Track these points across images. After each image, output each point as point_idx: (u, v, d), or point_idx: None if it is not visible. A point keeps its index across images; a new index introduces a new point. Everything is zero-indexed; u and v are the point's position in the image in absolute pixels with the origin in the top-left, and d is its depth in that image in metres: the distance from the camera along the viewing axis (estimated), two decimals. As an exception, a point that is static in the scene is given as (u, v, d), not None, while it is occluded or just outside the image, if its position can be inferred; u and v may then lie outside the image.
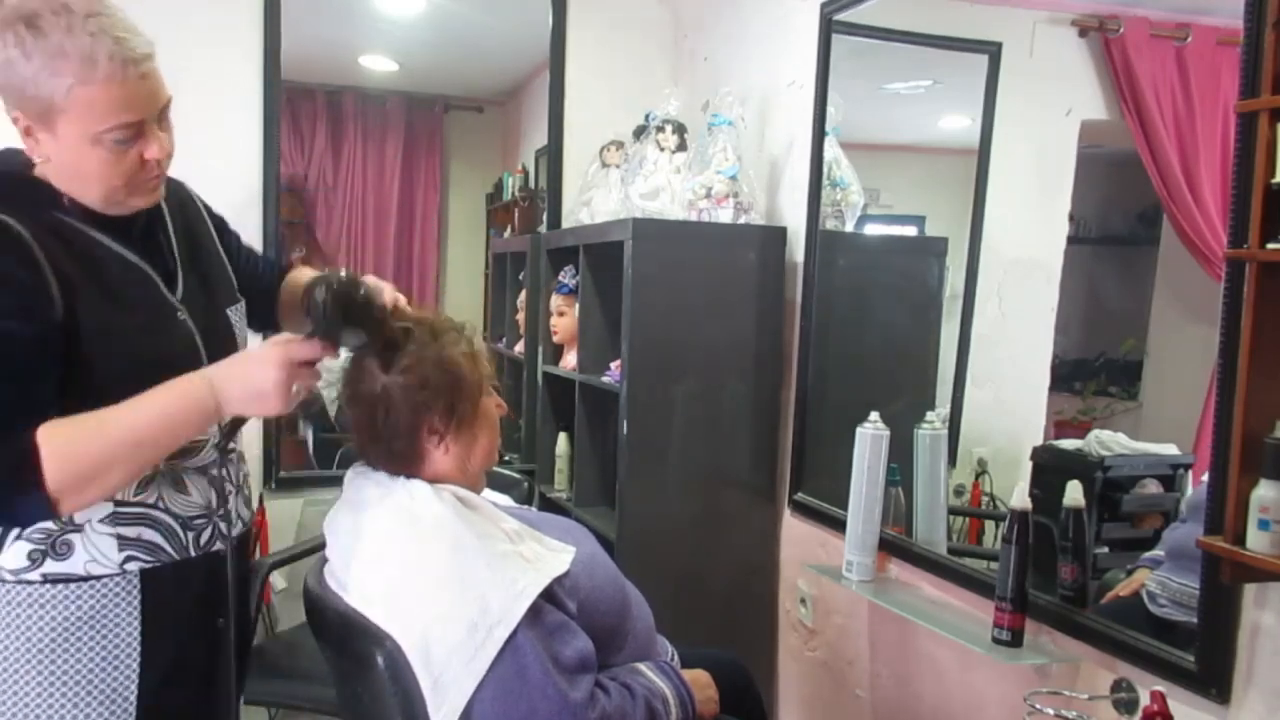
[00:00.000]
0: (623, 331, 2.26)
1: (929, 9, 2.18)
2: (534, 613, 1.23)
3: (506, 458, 3.02)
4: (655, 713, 1.32)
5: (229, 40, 2.61)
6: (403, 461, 1.36)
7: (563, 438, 2.76)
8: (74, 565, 1.20)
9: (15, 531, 1.19)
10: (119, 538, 1.22)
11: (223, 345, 1.35)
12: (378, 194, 3.19)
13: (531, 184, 3.17)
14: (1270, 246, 1.09)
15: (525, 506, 2.17)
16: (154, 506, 1.25)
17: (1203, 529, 1.25)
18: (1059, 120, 1.94)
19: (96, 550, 1.21)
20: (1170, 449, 1.70)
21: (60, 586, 1.20)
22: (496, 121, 3.38)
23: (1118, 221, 1.97)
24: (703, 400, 2.30)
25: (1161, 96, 1.75)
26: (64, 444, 1.08)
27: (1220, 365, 1.24)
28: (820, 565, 2.16)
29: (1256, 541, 1.12)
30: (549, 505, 2.76)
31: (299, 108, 3.01)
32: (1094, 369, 1.96)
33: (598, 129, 2.78)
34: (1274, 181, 1.08)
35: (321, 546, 1.47)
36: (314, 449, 2.98)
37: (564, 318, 2.70)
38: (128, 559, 1.23)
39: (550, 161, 2.99)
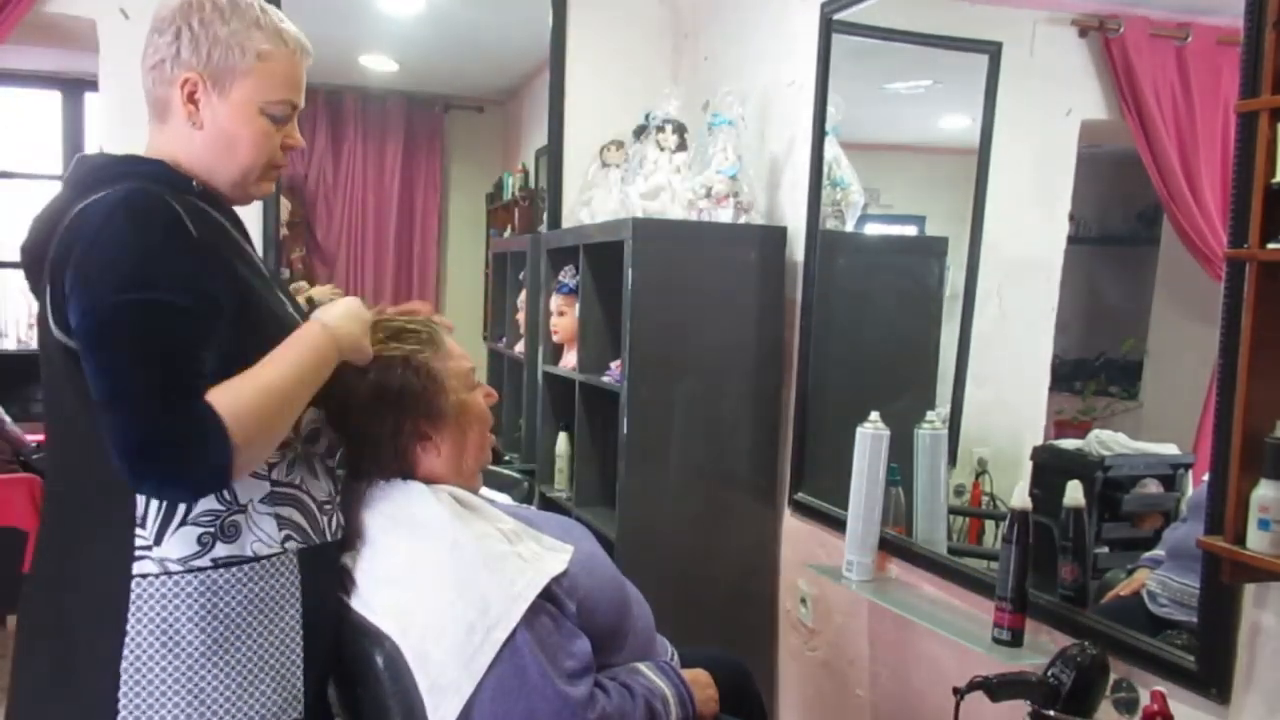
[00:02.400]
0: (623, 331, 2.26)
1: (929, 9, 2.18)
2: (532, 613, 1.23)
3: (507, 458, 3.02)
4: (655, 712, 1.32)
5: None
6: (393, 468, 1.36)
7: (563, 438, 2.76)
8: (243, 547, 1.20)
9: (178, 518, 1.17)
10: (277, 517, 1.23)
11: None
12: (378, 194, 3.20)
13: (531, 184, 3.17)
14: (1270, 246, 1.09)
15: (524, 505, 2.17)
16: (299, 488, 1.27)
17: (1203, 529, 1.25)
18: (1059, 120, 1.94)
19: (260, 530, 1.22)
20: (1170, 449, 1.70)
21: (233, 570, 1.20)
22: (496, 121, 3.39)
23: (1118, 221, 1.97)
24: (703, 400, 2.30)
25: (1161, 96, 1.75)
26: (233, 401, 1.09)
27: (1220, 365, 1.24)
28: (820, 565, 2.16)
29: (1256, 541, 1.12)
30: (549, 505, 2.76)
31: (299, 108, 3.01)
32: (1094, 369, 1.96)
33: (598, 129, 2.78)
34: (1274, 181, 1.08)
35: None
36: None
37: (564, 318, 2.70)
38: (286, 538, 1.24)
39: (550, 161, 2.99)
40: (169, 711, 1.15)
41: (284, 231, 2.86)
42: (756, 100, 2.53)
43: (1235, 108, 1.21)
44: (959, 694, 1.30)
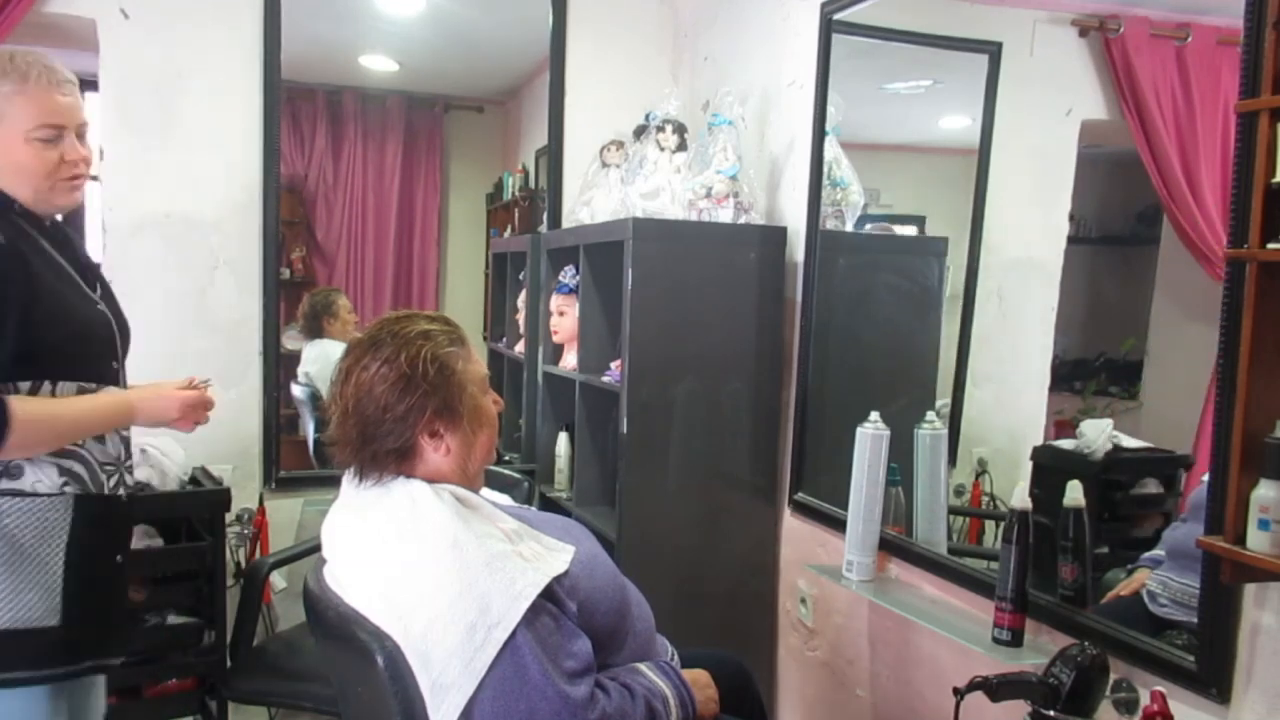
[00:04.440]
0: (623, 331, 2.27)
1: (929, 9, 2.18)
2: (533, 613, 1.22)
3: (506, 458, 3.02)
4: (655, 712, 1.32)
5: (229, 40, 2.61)
6: (397, 461, 1.36)
7: (563, 438, 2.76)
8: (23, 484, 1.50)
9: None
10: (58, 467, 1.53)
11: (128, 336, 1.72)
12: (378, 194, 3.19)
13: (531, 184, 3.17)
14: (1270, 246, 1.09)
15: (525, 506, 2.17)
16: (81, 447, 1.57)
17: (1203, 529, 1.25)
18: (1059, 120, 1.93)
19: (41, 474, 1.51)
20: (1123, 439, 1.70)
21: (14, 500, 1.49)
22: (496, 121, 3.38)
23: (1118, 221, 1.97)
24: (703, 400, 2.30)
25: (1161, 96, 1.75)
26: (31, 418, 1.46)
27: (1220, 365, 1.24)
28: (820, 565, 2.16)
29: (1256, 541, 1.12)
30: (549, 505, 2.76)
31: (299, 108, 3.01)
32: (1094, 369, 1.96)
33: (598, 129, 2.78)
34: (1274, 181, 1.08)
35: (321, 546, 1.47)
36: (314, 449, 2.98)
37: (564, 318, 2.70)
38: (65, 484, 1.53)
39: (550, 161, 2.99)
40: None
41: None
42: (756, 100, 2.53)
43: (1235, 108, 1.21)
44: (959, 694, 1.30)
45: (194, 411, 1.73)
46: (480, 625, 1.20)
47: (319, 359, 2.99)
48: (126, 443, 1.70)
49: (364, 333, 1.41)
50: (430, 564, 1.27)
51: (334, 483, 1.47)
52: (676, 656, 1.54)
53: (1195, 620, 1.32)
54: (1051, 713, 1.29)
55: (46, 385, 1.52)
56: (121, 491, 1.65)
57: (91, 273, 1.68)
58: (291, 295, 3.00)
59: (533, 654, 1.21)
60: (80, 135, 1.59)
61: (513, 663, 1.20)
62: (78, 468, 1.56)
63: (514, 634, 1.20)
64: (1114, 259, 1.99)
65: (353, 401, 1.35)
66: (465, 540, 1.27)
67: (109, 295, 1.71)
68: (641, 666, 1.39)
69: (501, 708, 1.20)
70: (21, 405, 1.45)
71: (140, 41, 2.54)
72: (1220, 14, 1.57)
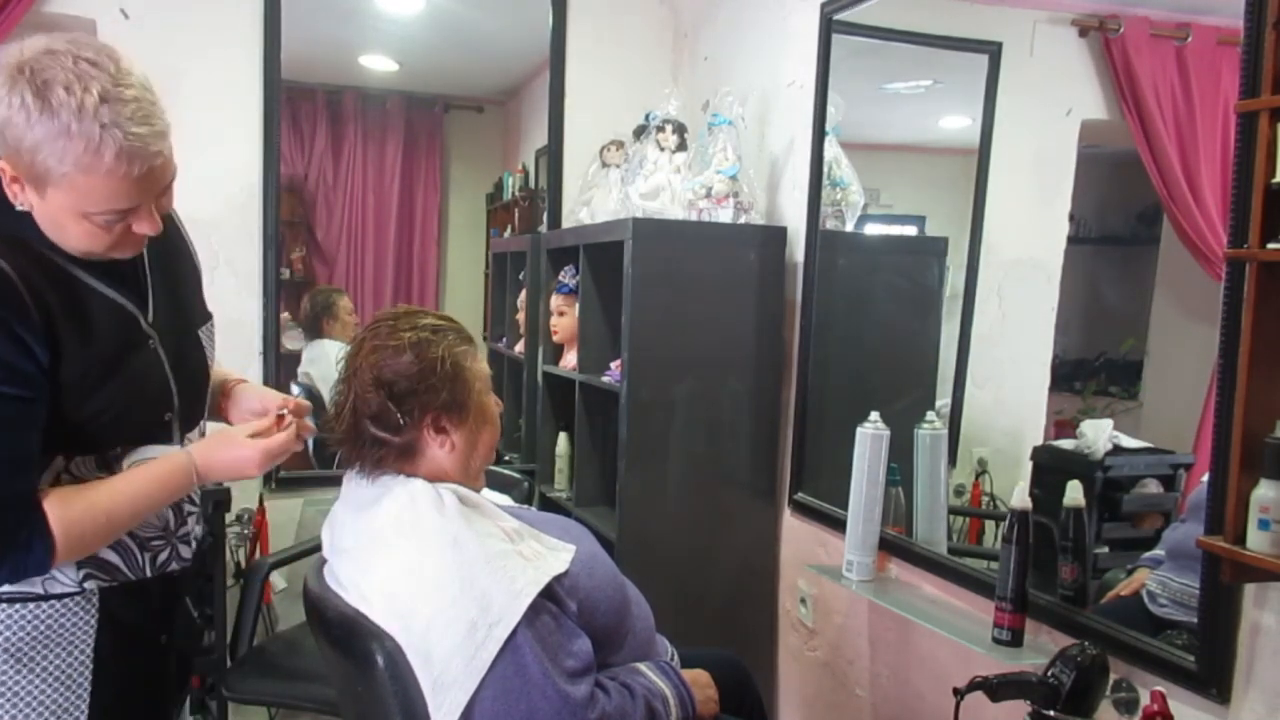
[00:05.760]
0: (623, 331, 2.26)
1: (929, 9, 2.18)
2: (533, 611, 1.23)
3: (506, 458, 3.02)
4: (655, 712, 1.32)
5: (229, 40, 2.61)
6: (399, 456, 1.36)
7: (563, 438, 2.76)
8: (32, 583, 1.18)
9: None
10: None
11: (192, 370, 1.35)
12: (378, 194, 3.19)
13: (531, 184, 3.17)
14: (1270, 246, 1.09)
15: (525, 506, 2.17)
16: None
17: (1203, 529, 1.25)
18: (1059, 120, 1.94)
19: (55, 569, 1.18)
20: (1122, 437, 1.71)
21: (18, 606, 1.18)
22: (496, 121, 3.38)
23: (1118, 221, 1.97)
24: (703, 400, 2.30)
25: (1161, 96, 1.75)
26: (73, 521, 1.14)
27: (1220, 365, 1.24)
28: (820, 565, 2.16)
29: (1256, 541, 1.12)
30: (549, 505, 2.76)
31: (299, 108, 3.01)
32: (1094, 369, 1.96)
33: (598, 129, 2.78)
34: (1274, 181, 1.08)
35: (320, 546, 1.47)
36: (314, 449, 2.98)
37: (564, 318, 2.70)
38: (86, 577, 1.21)
39: (550, 161, 2.99)
40: None
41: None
42: (756, 100, 2.53)
43: (1235, 108, 1.21)
44: (959, 694, 1.30)
45: (280, 457, 1.32)
46: (481, 623, 1.20)
47: (319, 359, 2.99)
48: (178, 508, 1.32)
49: (368, 326, 1.41)
50: (431, 562, 1.27)
51: (334, 483, 1.47)
52: (676, 656, 1.54)
53: (1195, 620, 1.32)
54: (1051, 713, 1.29)
55: (59, 460, 1.18)
56: (174, 567, 1.31)
57: (155, 281, 1.28)
58: (291, 295, 3.00)
59: (533, 653, 1.21)
60: (163, 193, 1.15)
61: (513, 662, 1.20)
62: (106, 553, 1.22)
63: (514, 633, 1.20)
64: (1114, 259, 1.99)
65: (359, 392, 1.34)
66: (466, 539, 1.27)
67: (183, 308, 1.32)
68: (641, 666, 1.39)
69: (502, 707, 1.20)
70: (61, 510, 1.13)
71: (140, 41, 2.54)
72: (1220, 14, 1.57)
